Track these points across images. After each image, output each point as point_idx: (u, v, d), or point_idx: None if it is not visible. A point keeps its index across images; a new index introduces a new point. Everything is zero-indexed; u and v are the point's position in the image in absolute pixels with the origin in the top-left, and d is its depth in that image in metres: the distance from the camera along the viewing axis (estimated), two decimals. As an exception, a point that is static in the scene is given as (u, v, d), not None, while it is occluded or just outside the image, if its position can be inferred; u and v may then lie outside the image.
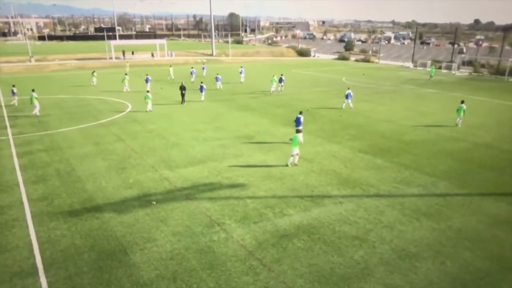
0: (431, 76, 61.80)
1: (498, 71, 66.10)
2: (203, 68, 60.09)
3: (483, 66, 73.47)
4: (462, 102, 31.06)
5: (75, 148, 24.01)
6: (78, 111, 34.36)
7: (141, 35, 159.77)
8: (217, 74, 48.24)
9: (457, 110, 30.93)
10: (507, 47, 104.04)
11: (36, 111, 32.69)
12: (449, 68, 72.01)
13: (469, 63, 76.30)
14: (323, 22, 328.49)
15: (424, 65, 77.67)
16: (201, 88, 39.95)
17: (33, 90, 33.15)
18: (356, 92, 40.78)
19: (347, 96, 35.71)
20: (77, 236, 13.94)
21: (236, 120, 31.38)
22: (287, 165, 20.96)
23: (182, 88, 38.18)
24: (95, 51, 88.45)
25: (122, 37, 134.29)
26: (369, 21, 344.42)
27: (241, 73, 54.52)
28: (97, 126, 29.35)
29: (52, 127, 28.84)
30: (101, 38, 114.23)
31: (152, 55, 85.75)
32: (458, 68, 71.98)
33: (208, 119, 31.70)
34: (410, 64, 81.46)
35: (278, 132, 27.93)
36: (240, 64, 70.19)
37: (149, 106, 34.27)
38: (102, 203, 16.58)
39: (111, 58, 79.64)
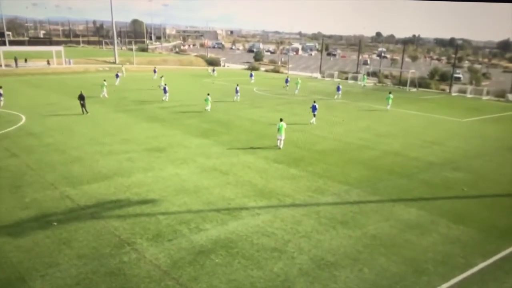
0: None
1: (401, 82, 70.71)
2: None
3: (386, 77, 78.59)
4: (390, 92, 43.59)
5: (-42, 165, 21.12)
6: (-37, 123, 30.56)
7: (35, 41, 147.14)
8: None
9: (386, 98, 42.59)
10: (407, 59, 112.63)
11: None
12: (355, 78, 74.98)
13: (373, 74, 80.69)
14: (231, 32, 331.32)
15: (331, 75, 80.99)
16: (164, 90, 43.35)
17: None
18: (268, 102, 41.17)
19: (313, 110, 34.10)
20: (-39, 267, 12.03)
21: (145, 132, 29.83)
22: (276, 146, 26.18)
23: (81, 97, 35.37)
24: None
25: (12, 43, 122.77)
26: (277, 32, 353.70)
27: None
28: (-14, 140, 26.22)
29: None
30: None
31: (48, 63, 79.14)
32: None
33: (113, 131, 29.76)
34: (318, 75, 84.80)
35: (191, 144, 27.01)
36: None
37: (208, 107, 37.89)
38: (-7, 227, 14.58)
39: (0, 65, 72.35)
